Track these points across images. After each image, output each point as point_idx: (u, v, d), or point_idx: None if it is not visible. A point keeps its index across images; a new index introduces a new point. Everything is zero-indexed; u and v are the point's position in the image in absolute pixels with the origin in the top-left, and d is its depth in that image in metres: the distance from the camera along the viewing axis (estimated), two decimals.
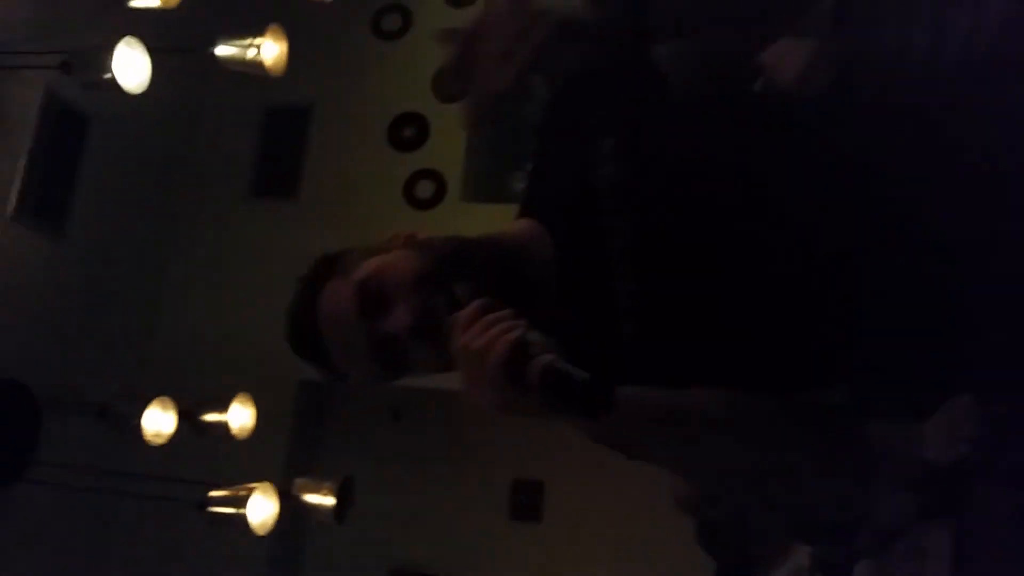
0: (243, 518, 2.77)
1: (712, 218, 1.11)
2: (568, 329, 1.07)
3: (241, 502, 2.78)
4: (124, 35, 2.42)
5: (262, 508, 2.85)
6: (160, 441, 2.90)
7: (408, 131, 4.43)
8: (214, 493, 2.82)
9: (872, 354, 1.09)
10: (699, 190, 1.12)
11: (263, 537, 2.92)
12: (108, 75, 2.34)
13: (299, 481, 3.09)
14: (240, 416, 3.13)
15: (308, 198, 4.45)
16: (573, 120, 1.21)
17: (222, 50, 2.69)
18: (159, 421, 2.91)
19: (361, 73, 4.44)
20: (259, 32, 2.70)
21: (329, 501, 3.03)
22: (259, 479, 3.63)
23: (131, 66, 2.52)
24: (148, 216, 4.17)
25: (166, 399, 2.92)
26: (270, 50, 2.70)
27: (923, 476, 1.40)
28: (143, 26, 2.60)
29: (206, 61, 2.73)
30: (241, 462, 3.71)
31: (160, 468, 3.08)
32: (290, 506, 3.02)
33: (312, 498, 3.04)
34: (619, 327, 1.14)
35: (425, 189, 4.33)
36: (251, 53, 2.68)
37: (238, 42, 2.69)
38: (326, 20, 4.17)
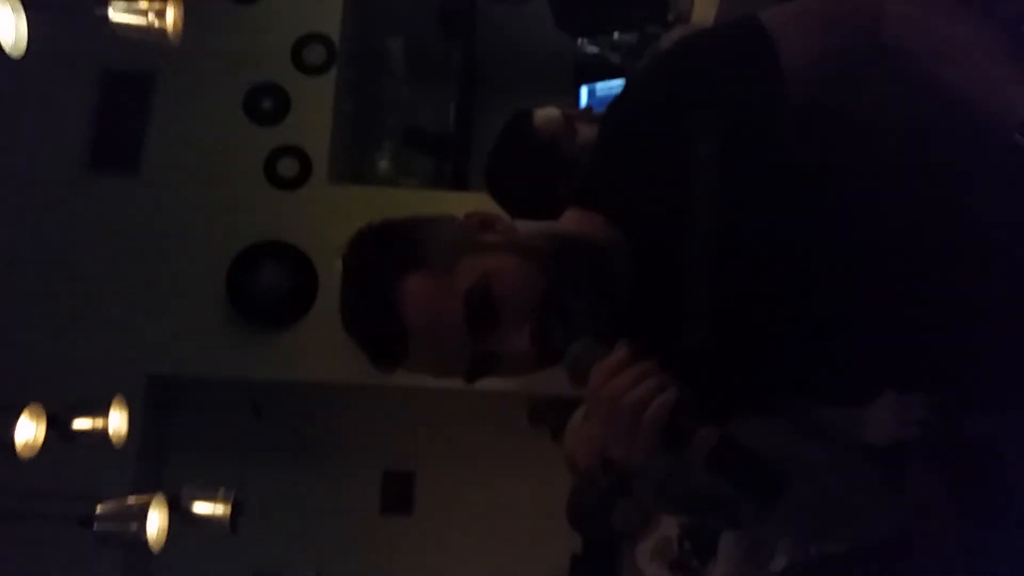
0: (137, 534, 2.49)
1: (800, 231, 1.09)
2: (633, 328, 1.02)
3: (135, 516, 2.49)
4: None
5: (154, 521, 2.57)
6: (30, 453, 2.53)
7: (267, 103, 4.14)
8: (102, 508, 2.51)
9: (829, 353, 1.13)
10: (795, 200, 1.09)
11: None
12: None
13: (187, 490, 2.83)
14: (115, 421, 2.80)
15: (152, 173, 4.06)
16: (673, 107, 1.11)
17: (116, 15, 2.36)
18: (28, 431, 2.54)
19: (213, 38, 4.05)
20: None
21: (223, 510, 2.80)
22: (112, 484, 3.29)
23: (6, 23, 2.16)
24: None
25: (37, 406, 2.55)
26: (171, 16, 2.40)
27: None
28: None
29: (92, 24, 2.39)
30: (88, 467, 3.35)
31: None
32: (179, 517, 2.76)
33: (203, 507, 2.80)
34: (686, 332, 1.11)
35: (288, 167, 4.07)
36: (150, 18, 2.37)
37: (134, 5, 2.37)
38: None
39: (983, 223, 1.11)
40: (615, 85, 3.53)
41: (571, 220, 1.17)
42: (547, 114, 1.98)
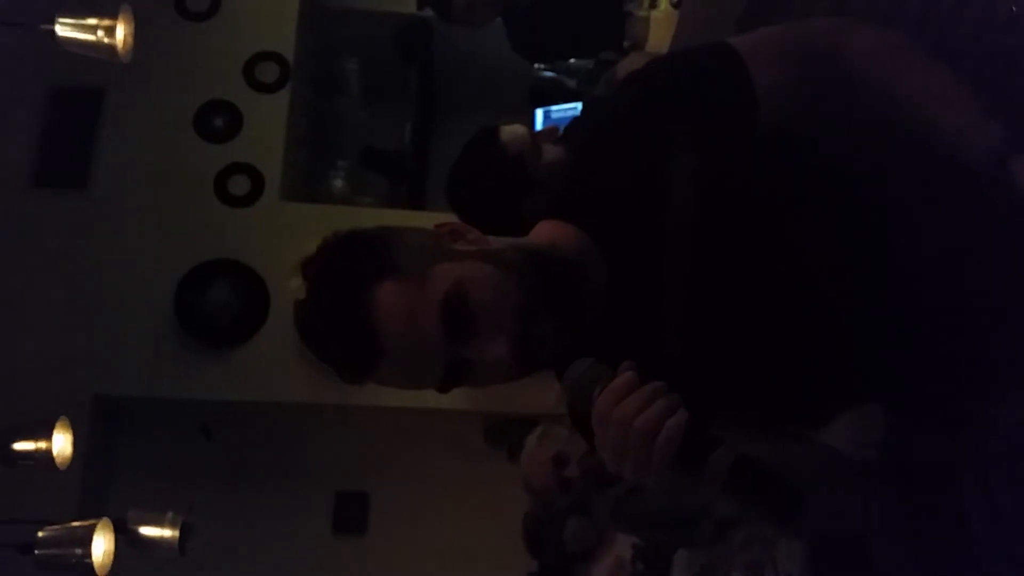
0: (81, 559, 2.43)
1: (778, 244, 1.11)
2: (608, 342, 1.04)
3: (79, 541, 2.43)
4: None
5: (100, 546, 2.51)
6: None
7: (218, 120, 4.09)
8: (44, 533, 2.45)
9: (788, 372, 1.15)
10: (774, 215, 1.12)
11: None
12: None
13: (134, 513, 2.78)
14: (59, 443, 2.74)
15: (100, 190, 3.99)
16: (648, 124, 1.14)
17: (64, 31, 2.32)
18: None
19: (164, 54, 4.01)
20: (106, 12, 2.37)
21: (171, 533, 2.75)
22: (56, 508, 3.21)
23: None
24: None
25: None
26: (121, 33, 2.37)
27: None
28: None
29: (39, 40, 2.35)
30: (31, 490, 3.25)
31: None
32: (126, 540, 2.70)
33: (151, 531, 2.74)
34: (662, 344, 1.12)
35: (240, 185, 4.02)
36: (99, 35, 2.33)
37: (82, 22, 2.33)
38: None
39: (948, 246, 1.13)
40: (571, 108, 3.57)
41: (543, 232, 1.17)
42: (514, 131, 1.98)
